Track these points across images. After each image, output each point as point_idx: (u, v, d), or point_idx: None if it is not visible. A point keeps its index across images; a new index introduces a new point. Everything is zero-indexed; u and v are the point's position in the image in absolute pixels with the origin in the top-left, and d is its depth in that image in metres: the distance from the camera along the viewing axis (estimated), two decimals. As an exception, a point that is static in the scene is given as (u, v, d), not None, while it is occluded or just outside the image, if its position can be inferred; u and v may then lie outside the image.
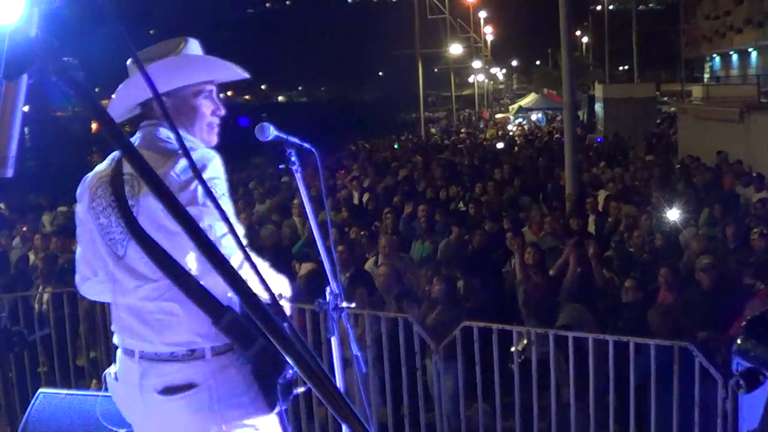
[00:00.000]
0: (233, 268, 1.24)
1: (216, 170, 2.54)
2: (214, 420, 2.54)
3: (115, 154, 2.67)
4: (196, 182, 2.47)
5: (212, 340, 2.54)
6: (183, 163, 2.49)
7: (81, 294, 2.90)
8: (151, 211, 2.47)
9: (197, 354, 2.54)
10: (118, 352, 2.73)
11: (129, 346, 2.64)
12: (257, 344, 2.50)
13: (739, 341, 1.76)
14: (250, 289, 1.23)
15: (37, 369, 7.52)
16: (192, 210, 2.44)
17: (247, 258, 1.49)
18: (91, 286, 2.80)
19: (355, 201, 13.04)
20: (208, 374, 2.53)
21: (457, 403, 6.08)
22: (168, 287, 2.49)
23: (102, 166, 2.72)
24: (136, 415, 2.72)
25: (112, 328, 2.74)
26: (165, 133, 2.62)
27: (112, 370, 2.77)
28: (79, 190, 2.77)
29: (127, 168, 2.58)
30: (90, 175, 2.75)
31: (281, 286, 2.74)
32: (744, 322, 1.95)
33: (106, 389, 2.81)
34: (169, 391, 2.53)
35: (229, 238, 2.46)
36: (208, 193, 2.46)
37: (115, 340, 2.73)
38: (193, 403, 2.52)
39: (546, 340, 5.52)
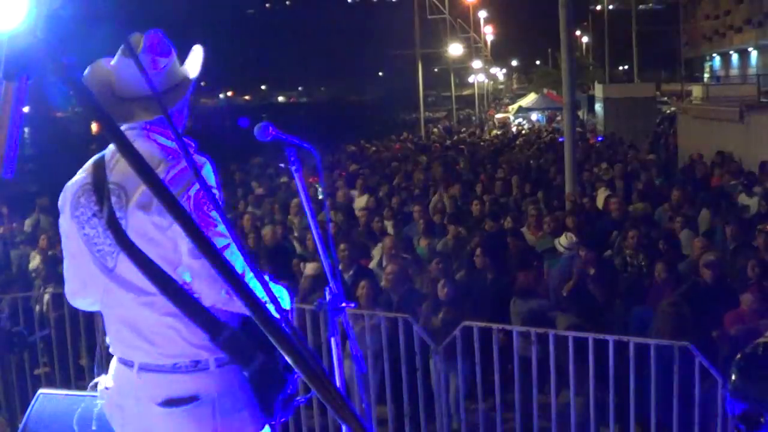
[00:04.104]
0: (233, 267, 1.23)
1: (210, 178, 2.43)
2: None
3: (95, 160, 2.56)
4: (191, 191, 2.35)
5: (215, 351, 2.46)
6: (174, 171, 2.38)
7: (72, 305, 2.80)
8: (140, 225, 2.37)
9: (201, 365, 2.45)
10: (113, 361, 2.62)
11: (126, 356, 2.53)
12: (257, 361, 2.43)
13: (733, 377, 1.68)
14: (251, 290, 1.23)
15: (37, 370, 7.52)
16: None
17: (252, 269, 1.47)
18: (82, 300, 2.70)
19: (356, 201, 13.01)
20: (211, 386, 2.45)
21: (457, 403, 6.09)
22: (168, 300, 2.40)
23: (81, 174, 2.59)
24: (129, 428, 2.60)
25: (107, 339, 2.63)
26: (153, 136, 2.48)
27: (103, 379, 2.66)
28: (60, 200, 2.62)
29: (112, 177, 2.46)
30: (70, 183, 2.61)
31: (283, 297, 2.62)
32: (738, 356, 1.86)
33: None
34: (171, 402, 2.44)
35: (232, 249, 2.38)
36: (204, 202, 2.36)
37: (112, 348, 2.61)
38: (195, 415, 2.44)
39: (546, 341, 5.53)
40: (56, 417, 3.65)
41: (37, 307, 7.58)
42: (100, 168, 2.51)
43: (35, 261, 9.44)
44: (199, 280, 2.37)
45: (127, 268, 2.44)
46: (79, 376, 7.41)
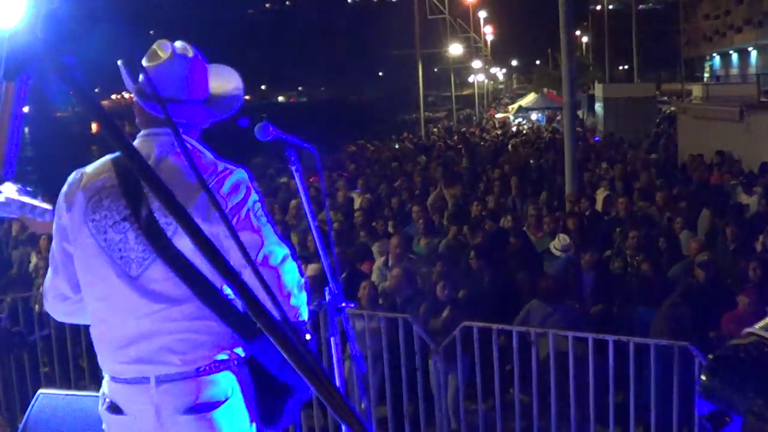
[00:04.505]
0: (242, 279, 1.20)
1: (255, 192, 2.43)
2: (247, 426, 2.47)
3: (115, 160, 2.44)
4: (247, 205, 2.34)
5: (238, 350, 2.44)
6: (229, 181, 2.37)
7: (48, 313, 2.63)
8: None
9: (224, 365, 2.41)
10: (113, 383, 2.47)
11: (141, 374, 2.39)
12: (291, 367, 2.40)
13: (703, 378, 1.70)
14: (250, 288, 1.22)
15: (38, 369, 7.52)
16: (248, 236, 2.32)
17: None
18: (67, 306, 2.54)
19: (355, 202, 13.00)
20: (235, 385, 2.43)
21: (457, 403, 6.08)
22: (199, 307, 2.34)
23: (97, 170, 2.45)
24: None
25: (106, 362, 2.47)
26: (190, 143, 2.44)
27: (104, 404, 2.51)
28: (64, 196, 2.47)
29: None
30: (82, 178, 2.47)
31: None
32: (709, 357, 1.87)
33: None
34: (197, 409, 2.37)
35: (290, 260, 2.40)
36: (262, 213, 2.37)
37: (112, 371, 2.46)
38: (223, 417, 2.40)
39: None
40: (56, 417, 3.65)
41: (37, 307, 7.57)
42: (127, 170, 2.36)
43: (35, 261, 9.43)
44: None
45: (156, 275, 2.35)
46: (79, 376, 7.41)
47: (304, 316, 2.47)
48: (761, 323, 1.90)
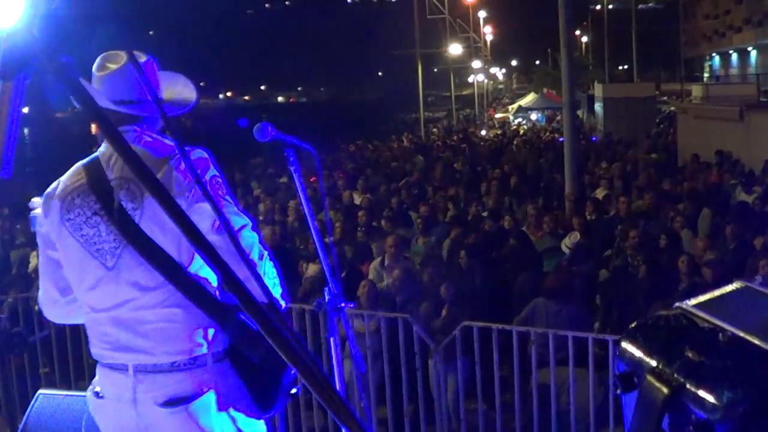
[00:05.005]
0: (230, 268, 1.22)
1: (214, 168, 2.51)
2: (225, 420, 2.51)
3: (86, 164, 2.58)
4: (206, 176, 2.46)
5: (213, 345, 2.49)
6: (183, 162, 2.45)
7: (47, 317, 2.76)
8: (158, 213, 2.37)
9: (199, 362, 2.47)
10: (99, 368, 2.59)
11: (120, 360, 2.50)
12: (264, 345, 2.40)
13: (622, 344, 1.78)
14: (247, 290, 1.22)
15: (38, 370, 7.52)
16: (204, 206, 2.42)
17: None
18: (59, 309, 2.67)
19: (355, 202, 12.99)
20: (211, 382, 2.48)
21: (457, 403, 6.08)
22: (170, 293, 2.42)
23: (72, 176, 2.59)
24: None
25: (93, 347, 2.59)
26: (151, 136, 2.56)
27: (91, 389, 2.62)
28: (42, 207, 2.61)
29: (113, 173, 2.48)
30: (57, 188, 2.60)
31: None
32: (632, 325, 1.95)
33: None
34: (173, 402, 2.44)
35: (249, 229, 2.48)
36: (219, 186, 2.47)
37: (97, 355, 2.58)
38: (199, 410, 2.45)
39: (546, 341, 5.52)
40: (56, 417, 3.65)
41: (37, 308, 7.56)
42: (95, 169, 2.52)
43: (35, 262, 9.43)
44: (223, 256, 2.38)
45: (129, 264, 2.44)
46: (79, 376, 7.41)
47: (277, 293, 2.51)
48: (694, 300, 1.96)
